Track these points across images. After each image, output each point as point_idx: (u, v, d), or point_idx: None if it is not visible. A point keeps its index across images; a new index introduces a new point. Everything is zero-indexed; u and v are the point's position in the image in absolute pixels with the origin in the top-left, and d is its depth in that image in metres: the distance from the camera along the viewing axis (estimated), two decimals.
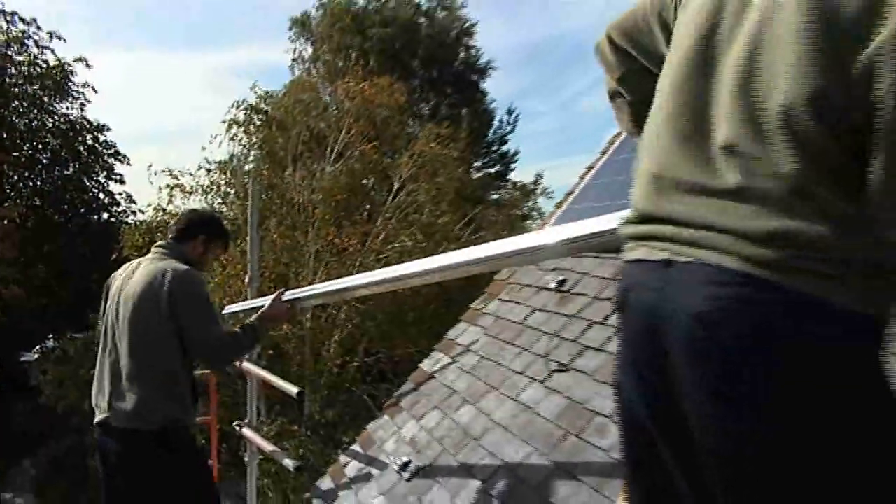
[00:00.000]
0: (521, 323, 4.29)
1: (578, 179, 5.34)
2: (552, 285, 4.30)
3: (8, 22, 24.36)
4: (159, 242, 3.89)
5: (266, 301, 4.18)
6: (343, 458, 4.71)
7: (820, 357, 1.21)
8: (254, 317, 4.03)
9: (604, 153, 5.39)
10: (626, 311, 1.55)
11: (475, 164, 28.47)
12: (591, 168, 5.32)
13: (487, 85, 31.60)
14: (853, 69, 1.14)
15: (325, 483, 4.61)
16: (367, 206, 19.17)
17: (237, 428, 5.34)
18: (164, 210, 17.63)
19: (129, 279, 3.71)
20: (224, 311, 5.23)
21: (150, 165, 18.56)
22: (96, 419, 3.66)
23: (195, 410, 3.87)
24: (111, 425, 3.57)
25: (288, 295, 4.21)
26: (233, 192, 17.47)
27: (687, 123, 1.44)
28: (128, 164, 27.69)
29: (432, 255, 4.16)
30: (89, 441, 16.78)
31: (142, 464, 3.58)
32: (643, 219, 1.52)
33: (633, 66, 1.78)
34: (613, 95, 1.91)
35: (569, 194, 5.32)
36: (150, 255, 3.80)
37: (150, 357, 3.54)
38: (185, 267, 3.64)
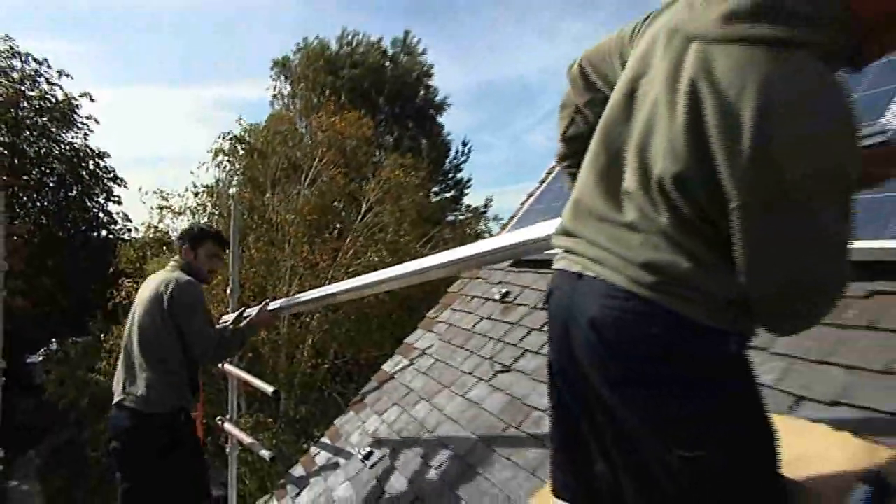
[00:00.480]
0: (469, 329, 4.31)
1: (521, 204, 5.38)
2: (497, 297, 4.33)
3: (23, 62, 24.02)
4: (175, 257, 4.05)
5: (254, 310, 4.38)
6: (313, 449, 4.70)
7: (687, 359, 1.33)
8: (242, 323, 4.23)
9: (542, 182, 5.44)
10: (549, 311, 1.64)
11: (434, 189, 28.39)
12: (531, 195, 5.36)
13: (444, 119, 31.75)
14: (713, 177, 1.22)
15: (298, 471, 4.59)
16: (338, 226, 19.00)
17: (219, 422, 5.28)
18: (155, 228, 17.37)
19: (145, 286, 3.93)
20: (220, 321, 5.19)
21: (140, 188, 18.30)
22: (114, 401, 3.78)
23: (193, 400, 3.99)
24: (125, 405, 3.69)
25: (273, 305, 4.40)
26: (217, 212, 17.22)
27: (605, 162, 1.49)
28: (125, 186, 27.39)
29: None
30: (87, 434, 16.53)
31: (147, 442, 3.68)
32: (566, 233, 1.60)
33: (597, 96, 1.72)
34: (564, 106, 1.87)
35: (513, 217, 5.36)
36: (166, 267, 3.97)
37: (155, 352, 3.70)
38: (187, 278, 3.81)
